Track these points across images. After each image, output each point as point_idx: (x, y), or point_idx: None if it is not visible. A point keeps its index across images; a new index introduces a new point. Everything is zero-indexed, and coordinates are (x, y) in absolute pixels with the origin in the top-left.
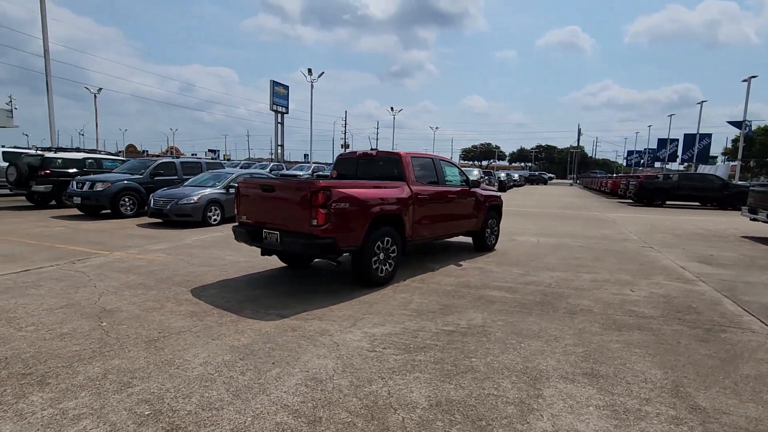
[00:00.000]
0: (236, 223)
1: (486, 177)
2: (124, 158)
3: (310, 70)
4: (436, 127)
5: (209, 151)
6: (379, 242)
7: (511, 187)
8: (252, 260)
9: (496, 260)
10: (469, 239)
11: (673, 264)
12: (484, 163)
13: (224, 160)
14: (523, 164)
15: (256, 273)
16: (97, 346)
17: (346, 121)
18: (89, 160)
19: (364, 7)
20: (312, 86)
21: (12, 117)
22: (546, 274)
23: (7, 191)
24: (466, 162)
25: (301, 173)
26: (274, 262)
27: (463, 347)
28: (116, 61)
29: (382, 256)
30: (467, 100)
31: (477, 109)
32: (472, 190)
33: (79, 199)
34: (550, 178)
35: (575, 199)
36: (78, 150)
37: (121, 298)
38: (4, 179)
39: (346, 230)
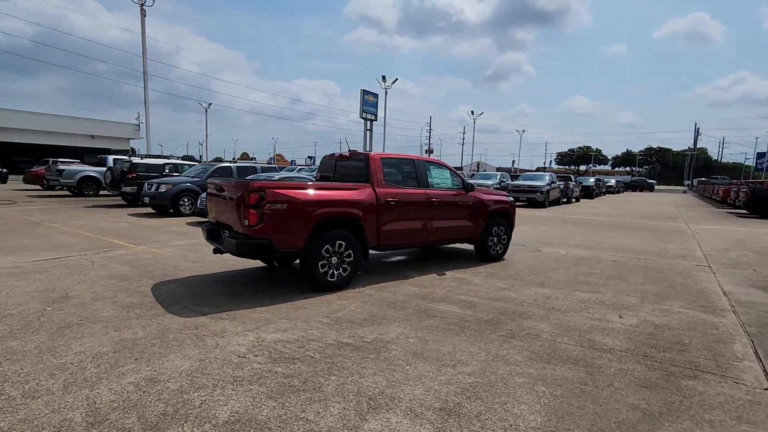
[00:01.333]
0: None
1: (559, 183)
2: (208, 164)
3: (384, 77)
4: (523, 130)
5: (308, 157)
6: (328, 246)
7: (603, 193)
8: (247, 260)
9: (489, 272)
10: None
11: (714, 288)
12: (582, 167)
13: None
14: (628, 169)
15: (236, 271)
16: (18, 327)
17: (430, 126)
18: (169, 165)
19: (458, 12)
20: (386, 93)
21: (139, 130)
22: (531, 291)
23: (107, 191)
24: (560, 167)
25: None
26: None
27: (338, 363)
28: (236, 80)
29: (335, 260)
30: (569, 101)
31: (580, 109)
32: (470, 194)
33: (149, 198)
34: (652, 185)
35: (670, 209)
36: (163, 156)
37: (91, 286)
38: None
39: (282, 232)
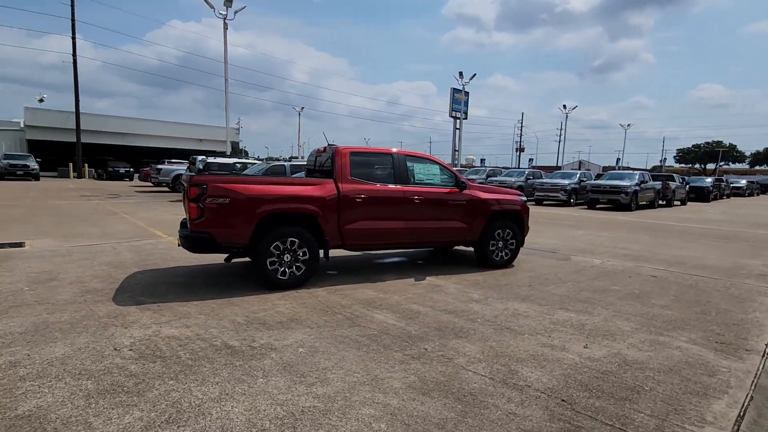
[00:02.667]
0: None
1: (654, 183)
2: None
3: (461, 73)
4: (628, 124)
5: None
6: (278, 243)
7: (726, 195)
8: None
9: (479, 280)
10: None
11: (760, 319)
12: (711, 165)
13: None
14: None
15: (220, 265)
16: None
17: (521, 123)
18: (238, 164)
19: (563, 2)
20: (464, 88)
21: (238, 133)
22: (503, 305)
23: None
24: (682, 166)
25: None
26: None
27: (196, 367)
28: (339, 85)
29: (287, 258)
30: (697, 91)
31: (711, 99)
32: (465, 192)
33: None
34: None
35: None
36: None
37: (83, 271)
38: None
39: (224, 226)
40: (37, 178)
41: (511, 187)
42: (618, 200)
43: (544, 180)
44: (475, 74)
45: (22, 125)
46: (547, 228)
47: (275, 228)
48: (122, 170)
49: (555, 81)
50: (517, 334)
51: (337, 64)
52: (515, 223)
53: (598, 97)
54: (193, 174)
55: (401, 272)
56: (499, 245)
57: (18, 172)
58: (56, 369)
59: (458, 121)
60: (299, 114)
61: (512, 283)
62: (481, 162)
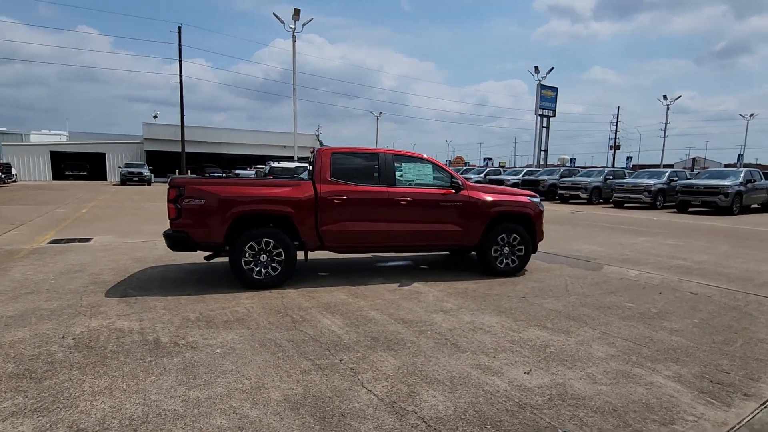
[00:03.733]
0: None
1: (757, 180)
2: None
3: (536, 68)
4: (750, 115)
5: (485, 159)
6: (253, 243)
7: None
8: None
9: (468, 288)
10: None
11: None
12: None
13: (500, 167)
14: None
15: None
16: (7, 288)
17: (617, 118)
18: (300, 168)
19: None
20: (539, 85)
21: (317, 139)
22: (470, 318)
23: None
24: None
25: (511, 179)
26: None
27: (99, 360)
28: (426, 89)
29: (264, 258)
30: None
31: None
32: (461, 193)
33: None
34: None
35: None
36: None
37: (108, 265)
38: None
39: (201, 226)
40: (149, 183)
41: (586, 189)
42: (714, 202)
43: (625, 180)
44: (552, 68)
45: (141, 138)
46: (602, 233)
47: (251, 228)
48: (215, 175)
49: (665, 70)
50: (457, 351)
51: (424, 68)
52: (524, 227)
53: (723, 85)
54: (175, 177)
55: (393, 276)
56: (505, 251)
57: (134, 179)
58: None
59: (545, 118)
60: (377, 119)
61: (504, 294)
62: (571, 162)
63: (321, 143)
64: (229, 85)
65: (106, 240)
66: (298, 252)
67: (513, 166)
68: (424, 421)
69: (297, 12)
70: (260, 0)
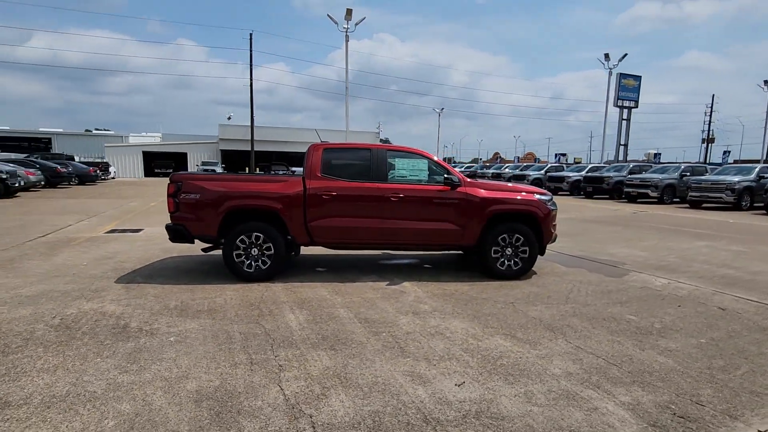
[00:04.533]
0: None
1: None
2: None
3: (607, 55)
4: None
5: (557, 155)
6: (243, 237)
7: None
8: None
9: (455, 291)
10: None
11: None
12: None
13: (574, 163)
14: None
15: None
16: (44, 276)
17: (712, 109)
18: None
19: None
20: (611, 73)
21: (378, 136)
22: (439, 323)
23: None
24: None
25: (572, 175)
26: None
27: (70, 340)
28: (499, 84)
29: (255, 252)
30: None
31: None
32: (458, 190)
33: None
34: None
35: None
36: None
37: (140, 254)
38: None
39: (196, 219)
40: None
41: (656, 187)
42: (720, 198)
43: (704, 177)
44: (626, 54)
45: (217, 139)
46: (655, 236)
47: (241, 223)
48: (281, 171)
49: None
50: (400, 355)
51: (497, 62)
52: (529, 226)
53: None
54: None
55: (388, 275)
56: (507, 252)
57: None
58: None
59: (626, 110)
60: (439, 115)
61: (493, 298)
62: (656, 157)
63: (320, 139)
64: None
65: (154, 231)
66: (297, 247)
67: (589, 161)
68: (313, 426)
69: (349, 12)
70: (333, 3)
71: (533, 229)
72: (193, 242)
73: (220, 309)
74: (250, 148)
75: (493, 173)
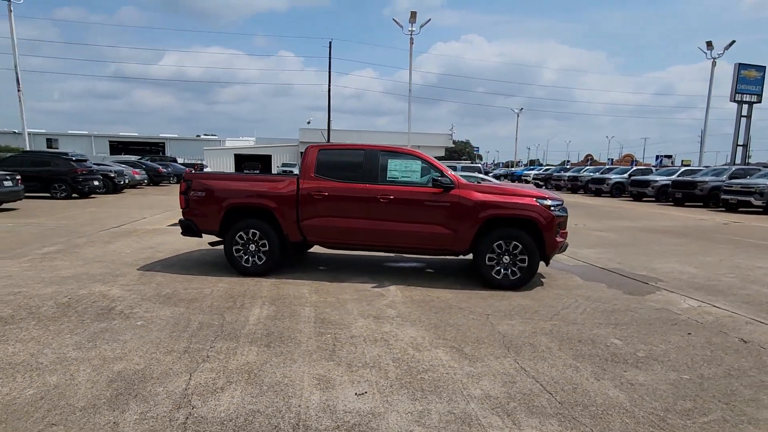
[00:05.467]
0: None
1: None
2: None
3: (709, 43)
4: None
5: (659, 156)
6: (242, 233)
7: None
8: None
9: (436, 299)
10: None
11: None
12: None
13: (682, 166)
14: None
15: None
16: (91, 257)
17: None
18: None
19: None
20: (714, 64)
21: (451, 139)
22: (393, 329)
23: None
24: None
25: (659, 179)
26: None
27: (60, 317)
28: (595, 81)
29: (252, 248)
30: None
31: None
32: (452, 192)
33: None
34: None
35: None
36: None
37: (176, 246)
38: None
39: (201, 215)
40: None
41: (761, 194)
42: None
43: None
44: (733, 41)
45: (297, 141)
46: (725, 252)
47: (238, 219)
48: (256, 171)
49: None
50: (324, 358)
51: (592, 58)
52: (528, 233)
53: None
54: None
55: (381, 277)
56: (504, 260)
57: None
58: (19, 298)
59: (746, 106)
60: (518, 115)
61: (470, 309)
62: None
63: (324, 139)
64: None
65: None
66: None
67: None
68: (186, 418)
69: (413, 15)
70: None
71: (534, 237)
72: (200, 236)
73: (201, 299)
74: None
75: (569, 176)
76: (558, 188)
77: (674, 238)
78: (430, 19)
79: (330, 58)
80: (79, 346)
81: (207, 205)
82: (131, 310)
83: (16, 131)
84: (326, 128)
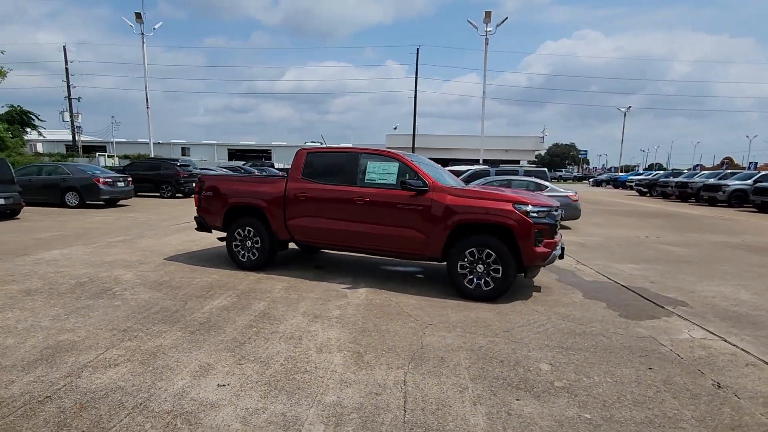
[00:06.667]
0: None
1: None
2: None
3: None
4: None
5: None
6: (239, 230)
7: None
8: None
9: (395, 304)
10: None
11: None
12: None
13: None
14: None
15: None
16: (141, 248)
17: None
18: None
19: None
20: None
21: (542, 142)
22: (301, 323)
23: None
24: None
25: (735, 184)
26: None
27: (68, 294)
28: (742, 71)
29: (249, 243)
30: None
31: None
32: (425, 195)
33: None
34: None
35: None
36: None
37: (213, 241)
38: None
39: (209, 213)
40: None
41: None
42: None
43: None
44: None
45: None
46: None
47: (237, 217)
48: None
49: None
50: (225, 349)
51: (737, 46)
52: (503, 241)
53: None
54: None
55: (362, 279)
56: (478, 269)
57: None
58: (56, 276)
59: None
60: (624, 115)
61: (416, 317)
62: None
63: (324, 142)
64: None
65: None
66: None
67: None
68: (62, 382)
69: (488, 14)
70: (530, 7)
71: (508, 245)
72: (210, 231)
73: (184, 287)
74: None
75: (677, 182)
76: (665, 196)
77: (752, 254)
78: (506, 18)
79: (417, 65)
80: (56, 318)
81: (214, 203)
82: (122, 292)
83: (161, 141)
84: (412, 133)
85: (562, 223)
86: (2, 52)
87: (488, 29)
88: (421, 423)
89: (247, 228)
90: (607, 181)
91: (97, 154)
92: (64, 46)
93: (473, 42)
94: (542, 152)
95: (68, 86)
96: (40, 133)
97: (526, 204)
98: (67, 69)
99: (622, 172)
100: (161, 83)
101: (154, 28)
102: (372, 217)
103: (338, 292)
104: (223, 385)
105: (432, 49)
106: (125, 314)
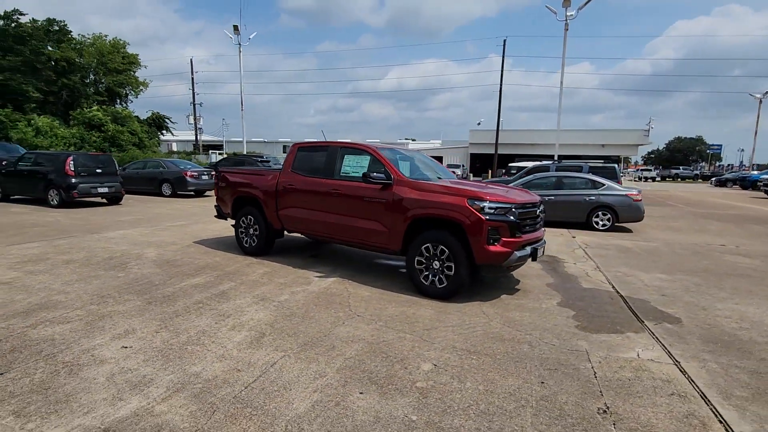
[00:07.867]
0: None
1: None
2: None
3: None
4: None
5: None
6: (243, 218)
7: None
8: None
9: (359, 297)
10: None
11: None
12: None
13: None
14: None
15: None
16: (188, 234)
17: None
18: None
19: None
20: None
21: (647, 136)
22: (251, 315)
23: None
24: None
25: None
26: None
27: (94, 268)
28: None
29: (251, 231)
30: None
31: None
32: (389, 189)
33: None
34: None
35: None
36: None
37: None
38: None
39: (223, 202)
40: None
41: None
42: None
43: None
44: None
45: (467, 143)
46: None
47: (243, 206)
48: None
49: None
50: (161, 326)
51: None
52: (456, 237)
53: None
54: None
55: (343, 271)
56: (434, 266)
57: None
58: (97, 251)
59: None
60: (760, 101)
61: (356, 308)
62: None
63: (324, 137)
64: (604, 88)
65: None
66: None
67: None
68: (22, 331)
69: None
70: None
71: (461, 242)
72: (226, 219)
73: (184, 265)
74: (497, 151)
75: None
76: None
77: None
78: (588, 1)
79: (503, 57)
80: (66, 282)
81: (225, 194)
82: (133, 267)
83: (265, 140)
84: (495, 128)
85: (622, 225)
86: (145, 66)
87: (569, 14)
88: (248, 401)
89: (249, 216)
90: (734, 181)
91: (210, 151)
92: (191, 59)
93: (584, 28)
94: (649, 146)
95: (193, 93)
96: (172, 134)
97: (483, 199)
98: (192, 78)
99: (755, 170)
100: (279, 87)
101: (250, 38)
102: (344, 209)
103: (306, 280)
104: (125, 347)
105: (537, 40)
106: (117, 284)
